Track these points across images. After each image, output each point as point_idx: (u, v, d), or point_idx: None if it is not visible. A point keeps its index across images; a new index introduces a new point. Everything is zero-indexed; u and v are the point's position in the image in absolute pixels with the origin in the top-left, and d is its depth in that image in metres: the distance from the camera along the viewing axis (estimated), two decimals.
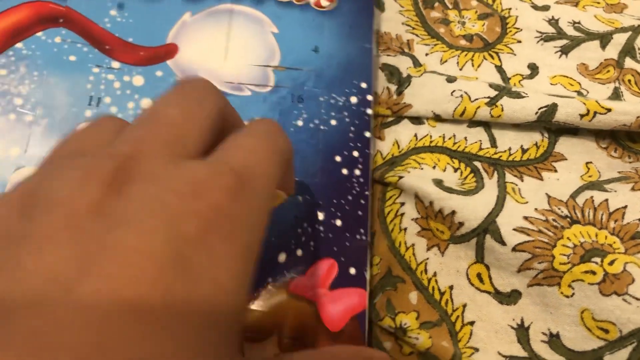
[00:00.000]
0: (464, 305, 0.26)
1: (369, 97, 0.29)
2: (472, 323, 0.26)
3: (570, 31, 0.33)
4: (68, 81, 0.28)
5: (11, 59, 0.28)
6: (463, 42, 0.33)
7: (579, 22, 0.33)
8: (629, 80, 0.31)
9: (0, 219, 0.13)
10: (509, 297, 0.25)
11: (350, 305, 0.25)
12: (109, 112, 0.27)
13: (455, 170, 0.29)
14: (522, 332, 0.25)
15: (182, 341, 0.12)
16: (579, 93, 0.30)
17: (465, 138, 0.30)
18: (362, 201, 0.27)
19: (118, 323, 0.11)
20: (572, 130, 0.30)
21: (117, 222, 0.13)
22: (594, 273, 0.24)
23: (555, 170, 0.28)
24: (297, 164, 0.26)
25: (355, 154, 0.28)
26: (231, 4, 0.30)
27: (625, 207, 0.25)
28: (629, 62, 0.31)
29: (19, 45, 0.28)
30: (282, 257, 0.25)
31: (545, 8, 0.34)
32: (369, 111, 0.29)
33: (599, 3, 0.34)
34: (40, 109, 0.27)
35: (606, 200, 0.26)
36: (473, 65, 0.32)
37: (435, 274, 0.27)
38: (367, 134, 0.28)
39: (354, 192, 0.27)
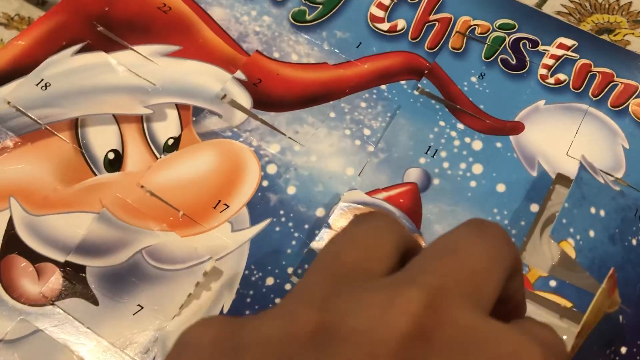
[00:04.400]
0: None
1: None
2: None
3: None
4: (414, 126, 0.30)
5: (373, 96, 0.31)
6: None
7: None
8: None
9: (292, 331, 0.13)
10: None
11: None
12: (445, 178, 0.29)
13: None
14: None
15: None
16: None
17: None
18: None
19: None
20: None
21: None
22: None
23: None
24: (620, 283, 0.24)
25: None
26: (589, 106, 0.30)
27: None
28: None
29: (383, 87, 0.31)
30: None
31: None
32: None
33: None
34: (382, 143, 0.30)
35: None
36: None
37: None
38: None
39: None
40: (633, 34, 0.34)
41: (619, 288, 0.24)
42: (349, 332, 0.12)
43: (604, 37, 0.34)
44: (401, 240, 0.15)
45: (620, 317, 0.24)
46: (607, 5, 0.35)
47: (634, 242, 0.26)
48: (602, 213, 0.26)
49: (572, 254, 0.25)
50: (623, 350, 0.24)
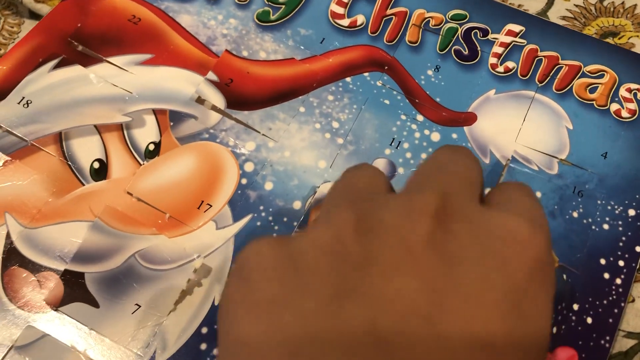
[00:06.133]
0: None
1: None
2: None
3: None
4: (378, 120, 0.32)
5: (339, 89, 0.33)
6: None
7: None
8: None
9: (337, 232, 0.15)
10: None
11: None
12: (399, 157, 0.31)
13: None
14: None
15: None
16: None
17: None
18: (616, 310, 0.27)
19: (471, 357, 0.13)
20: None
21: (453, 259, 0.14)
22: None
23: None
24: (565, 250, 0.28)
25: (621, 263, 0.28)
26: (535, 92, 0.33)
27: None
28: None
29: (347, 79, 0.34)
30: None
31: None
32: None
33: None
34: (350, 136, 0.32)
35: None
36: None
37: None
38: (638, 249, 0.28)
39: (610, 299, 0.27)
40: (638, 36, 0.35)
41: (566, 255, 0.28)
42: (383, 227, 0.15)
43: (609, 40, 0.35)
44: (388, 179, 0.20)
45: (565, 276, 0.28)
46: (612, 9, 0.36)
47: (575, 214, 0.29)
48: (539, 194, 0.30)
49: None
50: (575, 307, 0.27)
